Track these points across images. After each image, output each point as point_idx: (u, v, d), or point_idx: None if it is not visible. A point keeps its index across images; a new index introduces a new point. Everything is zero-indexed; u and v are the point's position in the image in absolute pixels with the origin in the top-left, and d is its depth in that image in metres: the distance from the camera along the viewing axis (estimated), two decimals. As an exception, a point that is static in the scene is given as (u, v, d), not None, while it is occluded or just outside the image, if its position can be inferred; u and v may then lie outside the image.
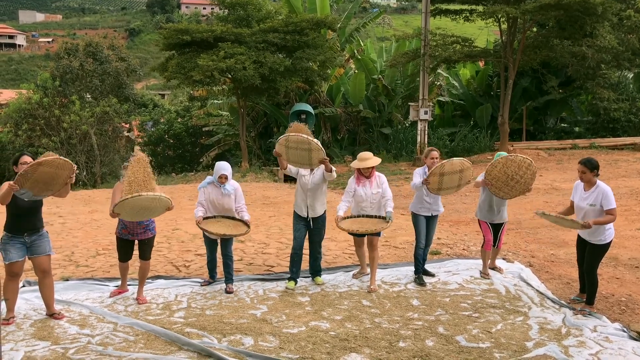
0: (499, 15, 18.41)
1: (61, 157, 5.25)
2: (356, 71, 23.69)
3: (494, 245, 7.31)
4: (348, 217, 6.78)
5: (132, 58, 25.87)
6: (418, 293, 6.63)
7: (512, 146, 20.48)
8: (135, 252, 6.43)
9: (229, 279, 6.73)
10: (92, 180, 23.60)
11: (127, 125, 29.62)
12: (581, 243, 6.16)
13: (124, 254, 6.33)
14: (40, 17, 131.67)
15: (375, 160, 6.83)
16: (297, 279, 6.91)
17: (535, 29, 21.47)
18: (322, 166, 6.62)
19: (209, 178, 6.74)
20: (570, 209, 6.35)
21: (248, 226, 6.55)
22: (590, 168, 5.93)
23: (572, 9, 17.15)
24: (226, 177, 6.57)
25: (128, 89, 25.77)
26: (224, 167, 6.65)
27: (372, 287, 6.71)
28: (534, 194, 13.39)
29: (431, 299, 6.44)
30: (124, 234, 6.23)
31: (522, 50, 19.08)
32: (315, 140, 6.28)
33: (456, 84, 25.50)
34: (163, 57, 20.10)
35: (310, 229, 6.85)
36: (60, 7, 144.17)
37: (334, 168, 6.71)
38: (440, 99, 25.98)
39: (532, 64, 20.56)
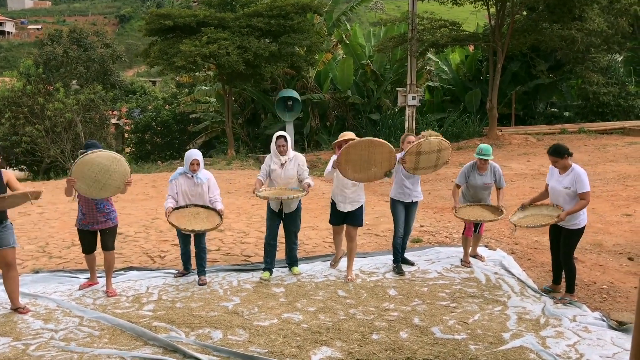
0: (487, -2, 18.14)
1: (27, 193, 5.23)
2: (344, 56, 23.40)
3: (475, 231, 7.17)
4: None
5: (117, 44, 25.47)
6: (396, 282, 6.48)
7: (501, 131, 20.33)
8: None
9: (201, 271, 6.55)
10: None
11: (116, 113, 29.27)
12: (554, 229, 6.00)
13: (87, 245, 6.15)
14: (29, 3, 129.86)
15: (352, 135, 6.72)
16: (273, 269, 6.75)
17: (525, 13, 21.22)
18: (295, 159, 6.54)
19: (180, 169, 6.53)
20: (545, 193, 6.23)
21: (221, 217, 6.36)
22: (559, 156, 5.83)
23: (561, -10, 16.93)
24: (198, 163, 6.36)
25: (114, 76, 25.43)
26: (194, 153, 6.47)
27: (349, 277, 6.55)
28: (521, 180, 13.27)
29: (409, 288, 6.29)
30: (84, 224, 6.05)
31: (510, 34, 18.83)
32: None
33: (446, 69, 25.24)
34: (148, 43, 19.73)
35: (285, 219, 6.68)
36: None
37: (311, 184, 6.59)
38: (430, 84, 25.73)
39: (521, 48, 20.33)
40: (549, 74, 22.76)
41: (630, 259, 7.53)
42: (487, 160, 6.76)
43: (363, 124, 23.05)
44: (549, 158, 5.92)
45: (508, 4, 18.73)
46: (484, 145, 6.86)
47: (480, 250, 7.59)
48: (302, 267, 7.01)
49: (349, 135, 6.64)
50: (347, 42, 23.13)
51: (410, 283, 6.47)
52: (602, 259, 7.56)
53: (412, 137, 6.77)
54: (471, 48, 25.12)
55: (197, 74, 20.25)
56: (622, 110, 22.26)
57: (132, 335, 5.05)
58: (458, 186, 6.99)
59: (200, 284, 6.41)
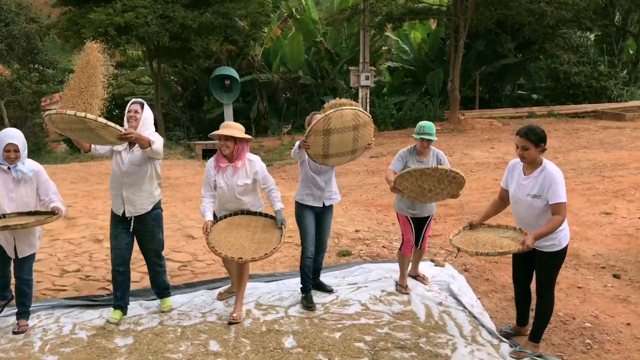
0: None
1: None
2: (295, 32, 21.33)
3: (416, 247, 5.31)
4: (223, 218, 4.70)
5: (44, 18, 22.83)
6: (299, 324, 4.58)
7: (463, 115, 18.60)
8: None
9: (23, 313, 4.54)
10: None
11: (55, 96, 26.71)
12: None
13: None
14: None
15: (238, 133, 4.68)
16: (127, 307, 4.77)
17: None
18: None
19: None
20: (501, 203, 4.33)
21: (55, 213, 4.38)
22: (534, 141, 3.89)
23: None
24: (16, 150, 4.31)
25: (41, 55, 22.89)
26: (10, 133, 4.39)
27: (233, 315, 4.63)
28: (483, 170, 11.53)
29: (315, 334, 4.39)
30: None
31: (474, 7, 17.01)
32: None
33: (406, 48, 23.33)
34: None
35: (137, 233, 4.69)
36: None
37: (153, 140, 4.37)
38: (390, 64, 23.85)
39: (486, 24, 18.55)
40: (516, 54, 21.05)
41: (615, 276, 5.79)
42: (430, 141, 4.91)
43: (316, 107, 21.07)
44: (518, 142, 3.91)
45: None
46: (425, 123, 4.96)
47: (424, 267, 5.75)
48: (178, 299, 5.07)
49: (231, 130, 4.66)
50: (298, 16, 21.03)
51: (320, 324, 4.58)
52: (580, 276, 5.79)
53: (319, 116, 4.77)
54: (434, 25, 23.28)
55: (116, 49, 17.90)
56: (594, 92, 20.69)
57: None
58: (394, 173, 5.00)
59: (15, 332, 4.42)
